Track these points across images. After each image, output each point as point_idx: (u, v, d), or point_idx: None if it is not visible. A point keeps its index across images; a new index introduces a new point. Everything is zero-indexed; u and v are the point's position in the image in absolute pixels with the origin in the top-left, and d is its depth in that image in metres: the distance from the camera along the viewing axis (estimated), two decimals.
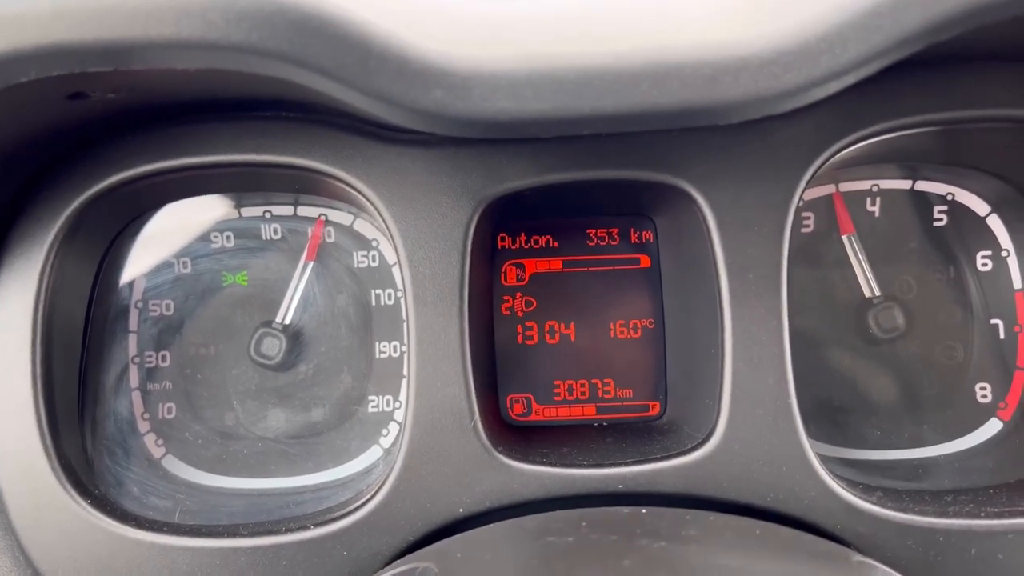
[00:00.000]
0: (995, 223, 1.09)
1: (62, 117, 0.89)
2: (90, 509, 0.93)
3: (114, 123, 0.94)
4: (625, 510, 0.83)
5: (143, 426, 1.09)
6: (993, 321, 1.09)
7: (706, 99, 0.71)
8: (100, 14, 0.65)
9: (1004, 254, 1.08)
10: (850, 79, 0.71)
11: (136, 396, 1.09)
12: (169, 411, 1.10)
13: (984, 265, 1.09)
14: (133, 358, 1.09)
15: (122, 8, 0.64)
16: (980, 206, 1.09)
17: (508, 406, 1.09)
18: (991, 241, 1.09)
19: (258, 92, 0.88)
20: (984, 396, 1.09)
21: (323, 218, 1.10)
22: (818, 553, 0.77)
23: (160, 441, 1.09)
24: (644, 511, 0.82)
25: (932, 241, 1.10)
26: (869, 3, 0.67)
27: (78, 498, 0.93)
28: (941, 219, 1.10)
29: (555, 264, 1.10)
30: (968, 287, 1.10)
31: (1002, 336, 1.09)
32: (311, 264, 1.09)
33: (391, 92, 0.70)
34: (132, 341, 1.09)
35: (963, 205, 1.10)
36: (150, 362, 1.10)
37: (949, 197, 1.10)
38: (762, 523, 0.81)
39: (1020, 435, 1.06)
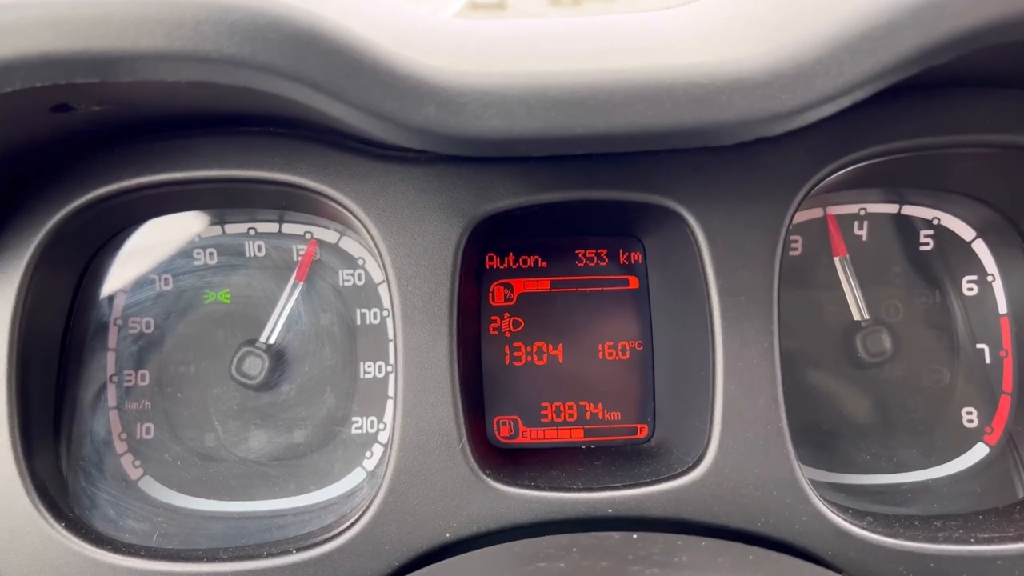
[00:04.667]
0: (980, 248, 1.09)
1: (45, 129, 0.87)
2: (64, 532, 0.90)
3: (98, 136, 0.92)
4: (616, 535, 0.81)
5: (120, 446, 1.06)
6: (979, 346, 1.09)
7: (700, 120, 0.71)
8: (90, 24, 0.64)
9: (990, 279, 1.09)
10: (844, 102, 0.71)
11: (114, 415, 1.06)
12: (147, 431, 1.07)
13: (970, 290, 1.10)
14: (111, 376, 1.07)
15: (112, 19, 0.63)
16: (966, 231, 1.10)
17: (495, 428, 1.08)
18: (976, 266, 1.10)
19: (246, 107, 0.87)
20: (970, 421, 1.09)
21: (314, 238, 1.08)
22: None
23: (138, 462, 1.07)
24: (635, 536, 0.81)
25: (918, 265, 1.11)
26: (863, 27, 0.68)
27: (52, 520, 0.90)
28: (927, 243, 1.10)
29: (543, 284, 1.09)
30: (954, 311, 1.10)
31: (988, 361, 1.09)
32: (300, 284, 1.08)
33: (383, 108, 0.69)
34: (111, 359, 1.07)
35: (949, 230, 1.10)
36: (129, 381, 1.07)
37: (935, 222, 1.10)
38: (754, 548, 0.80)
39: (1006, 460, 1.06)
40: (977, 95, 0.93)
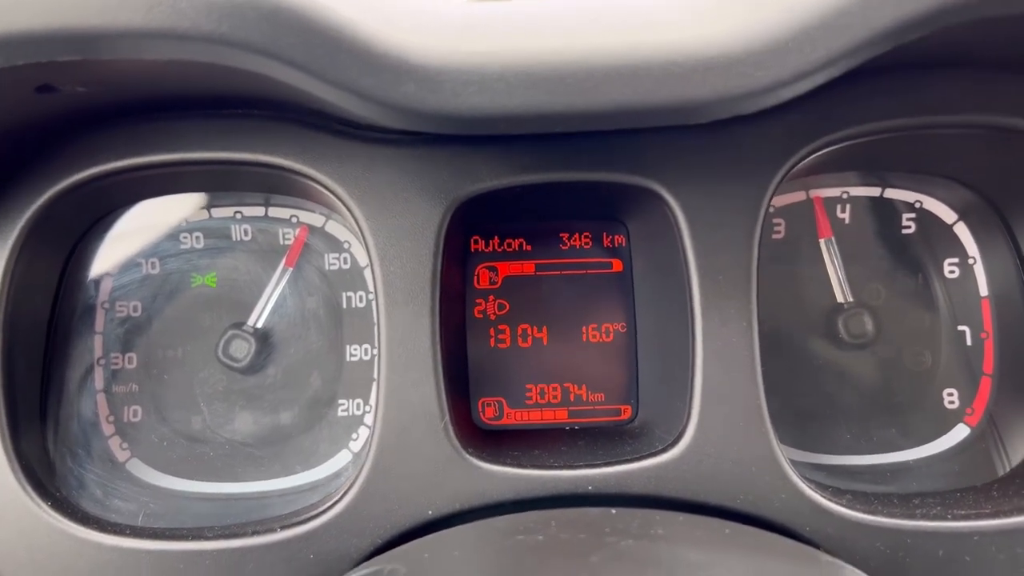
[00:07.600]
0: (962, 231, 1.10)
1: (30, 111, 0.87)
2: (50, 511, 0.91)
3: (82, 118, 0.93)
4: (595, 510, 0.82)
5: (108, 429, 1.07)
6: (960, 328, 1.10)
7: (677, 97, 0.72)
8: (69, 2, 0.64)
9: (971, 261, 1.10)
10: (819, 78, 0.71)
11: (101, 398, 1.07)
12: (135, 414, 1.08)
13: (951, 272, 1.10)
14: (99, 359, 1.07)
15: None
16: (947, 214, 1.11)
17: (480, 410, 1.09)
18: (958, 248, 1.10)
19: (229, 88, 0.88)
20: (951, 402, 1.10)
21: (305, 225, 1.09)
22: (787, 552, 0.77)
23: (125, 444, 1.07)
24: (614, 511, 0.81)
25: (900, 248, 1.12)
26: (838, 3, 0.68)
27: (38, 500, 0.91)
28: (909, 227, 1.11)
29: (528, 267, 1.10)
30: (936, 294, 1.11)
31: (969, 343, 1.10)
32: (289, 270, 1.08)
33: (361, 85, 0.70)
34: (98, 342, 1.07)
35: (931, 213, 1.11)
36: (116, 363, 1.08)
37: (917, 205, 1.11)
38: (731, 523, 0.81)
39: (986, 440, 1.07)
40: (956, 76, 0.94)
